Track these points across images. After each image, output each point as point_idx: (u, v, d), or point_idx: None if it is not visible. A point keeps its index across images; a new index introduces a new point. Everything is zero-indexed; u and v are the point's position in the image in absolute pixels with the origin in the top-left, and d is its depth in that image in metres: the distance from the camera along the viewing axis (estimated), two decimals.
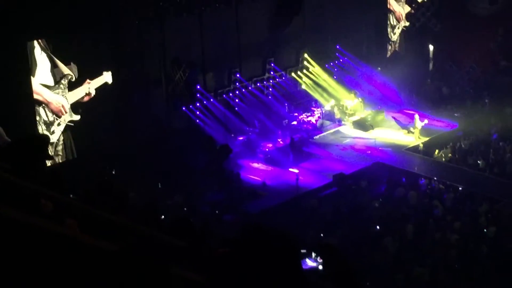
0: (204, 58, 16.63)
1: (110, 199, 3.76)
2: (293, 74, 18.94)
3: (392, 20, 21.18)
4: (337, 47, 19.54)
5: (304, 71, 19.06)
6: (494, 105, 18.49)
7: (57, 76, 13.83)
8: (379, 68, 20.46)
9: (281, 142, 17.16)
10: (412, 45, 21.09)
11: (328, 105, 18.86)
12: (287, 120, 18.17)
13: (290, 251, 2.09)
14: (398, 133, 18.03)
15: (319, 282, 3.05)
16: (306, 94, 19.09)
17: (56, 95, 13.87)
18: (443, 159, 16.48)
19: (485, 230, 12.17)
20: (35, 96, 13.40)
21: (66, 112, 14.02)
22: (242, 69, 17.68)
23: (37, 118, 13.47)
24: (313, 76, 19.08)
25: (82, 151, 14.08)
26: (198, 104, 16.50)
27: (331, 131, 18.25)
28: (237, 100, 17.53)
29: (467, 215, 12.87)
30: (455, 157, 16.39)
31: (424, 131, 17.52)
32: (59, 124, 13.96)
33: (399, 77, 19.63)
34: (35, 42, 13.26)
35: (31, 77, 13.23)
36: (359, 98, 19.00)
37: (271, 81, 18.43)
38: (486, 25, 20.01)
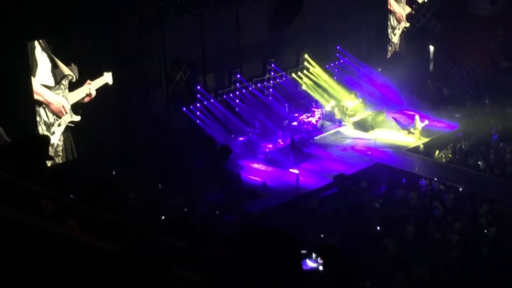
0: (205, 59, 16.63)
1: (110, 199, 3.76)
2: (293, 75, 18.93)
3: (393, 21, 21.18)
4: (338, 47, 19.54)
5: (305, 71, 19.06)
6: (494, 105, 18.47)
7: (58, 77, 13.83)
8: (380, 69, 20.46)
9: (281, 143, 17.16)
10: (413, 45, 21.09)
11: (328, 105, 18.86)
12: (287, 121, 18.17)
13: (291, 252, 2.09)
14: (399, 133, 18.03)
15: (320, 283, 3.05)
16: (306, 95, 19.09)
17: (57, 95, 13.87)
18: (444, 160, 16.47)
19: (485, 231, 12.16)
20: (36, 97, 13.39)
21: (66, 113, 14.02)
22: (243, 70, 17.68)
23: (38, 118, 13.45)
24: (314, 76, 19.08)
25: (83, 151, 14.08)
26: (198, 105, 16.50)
27: (332, 131, 18.25)
28: (237, 101, 17.53)
29: (467, 216, 12.86)
30: (456, 158, 16.39)
31: (424, 131, 17.52)
32: (59, 125, 13.96)
33: (400, 78, 19.63)
34: (36, 42, 13.26)
35: (32, 78, 13.23)
36: (360, 99, 18.99)
37: (271, 81, 18.43)
38: (486, 26, 20.00)
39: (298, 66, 19.06)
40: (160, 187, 14.38)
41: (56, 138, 13.79)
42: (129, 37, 14.83)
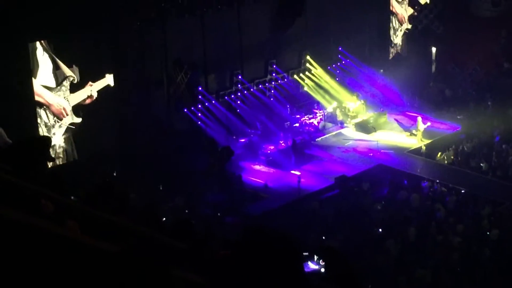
0: (206, 60, 16.63)
1: (111, 200, 3.75)
2: (295, 76, 18.92)
3: (395, 22, 21.17)
4: (340, 49, 19.53)
5: (306, 73, 19.04)
6: (497, 107, 18.43)
7: (59, 78, 13.82)
8: (382, 70, 20.44)
9: (283, 144, 17.14)
10: (415, 47, 21.07)
11: (330, 107, 18.83)
12: (289, 122, 18.15)
13: (292, 254, 2.08)
14: (401, 135, 18.00)
15: (321, 285, 3.04)
16: (308, 96, 19.07)
17: (58, 97, 13.86)
18: (446, 162, 16.44)
19: (487, 233, 12.12)
20: (36, 98, 13.38)
21: (67, 115, 14.01)
22: (244, 71, 17.68)
23: (38, 120, 13.44)
24: (315, 78, 19.07)
25: (83, 152, 14.08)
26: (199, 106, 16.50)
27: (333, 133, 18.23)
28: (239, 102, 17.53)
29: (469, 218, 12.83)
30: (458, 160, 16.35)
31: (426, 133, 17.48)
32: (60, 127, 13.96)
33: (402, 79, 19.61)
34: (38, 43, 13.26)
35: (33, 79, 13.23)
36: (361, 100, 18.97)
37: (273, 83, 18.42)
38: (489, 27, 19.97)
39: (300, 67, 19.05)
40: (161, 188, 14.37)
41: (57, 140, 13.78)
42: (130, 37, 14.83)
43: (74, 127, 14.07)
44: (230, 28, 16.96)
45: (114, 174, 13.92)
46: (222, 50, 16.95)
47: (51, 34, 13.09)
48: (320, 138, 17.83)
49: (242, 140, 17.14)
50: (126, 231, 3.17)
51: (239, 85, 17.57)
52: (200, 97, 16.53)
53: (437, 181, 14.94)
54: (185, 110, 16.22)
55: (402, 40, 21.30)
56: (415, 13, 21.11)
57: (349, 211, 13.39)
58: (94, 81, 14.27)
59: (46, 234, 2.31)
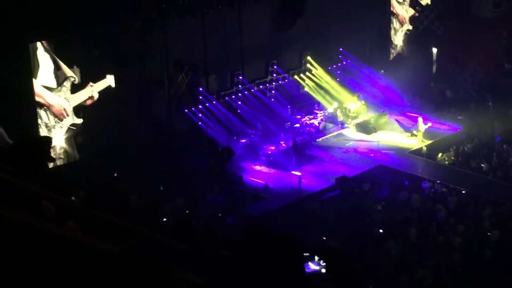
0: (207, 60, 16.63)
1: (111, 201, 3.75)
2: (296, 77, 18.92)
3: (395, 23, 21.16)
4: (340, 49, 19.52)
5: (307, 73, 19.04)
6: (497, 108, 18.41)
7: (60, 78, 13.82)
8: (382, 71, 20.43)
9: (283, 145, 17.13)
10: (416, 47, 21.05)
11: (331, 107, 18.82)
12: (289, 123, 18.14)
13: (292, 254, 2.08)
14: (401, 136, 17.98)
15: (322, 285, 3.03)
16: (309, 97, 19.07)
17: (58, 97, 13.85)
18: (446, 162, 16.42)
19: (488, 233, 12.11)
20: (37, 99, 13.37)
21: (68, 115, 14.01)
22: (245, 72, 17.68)
23: (39, 121, 13.44)
24: (316, 78, 19.06)
25: (84, 153, 14.08)
26: (200, 107, 16.50)
27: (334, 133, 18.22)
28: (239, 103, 17.52)
29: (470, 219, 12.81)
30: (459, 160, 16.34)
31: (427, 134, 17.47)
32: (61, 127, 13.96)
33: (402, 80, 19.59)
34: (38, 43, 13.26)
35: (33, 79, 13.23)
36: (362, 101, 18.96)
37: (273, 83, 18.41)
38: (490, 28, 19.95)
39: (301, 67, 19.04)
40: (161, 189, 14.37)
41: (58, 141, 13.78)
42: (131, 38, 14.83)
43: (74, 128, 14.07)
44: (231, 28, 16.96)
45: (115, 174, 13.92)
46: (223, 51, 16.95)
47: (52, 34, 13.09)
48: (320, 139, 17.82)
49: (243, 140, 17.13)
50: (127, 231, 3.16)
51: (239, 86, 17.57)
52: (200, 97, 16.53)
53: (438, 181, 14.92)
54: (186, 110, 16.22)
55: (403, 41, 21.29)
56: (416, 14, 21.10)
57: (350, 211, 13.38)
58: (95, 82, 14.26)
59: (47, 234, 2.31)
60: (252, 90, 17.81)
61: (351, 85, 19.51)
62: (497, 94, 19.10)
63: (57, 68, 13.68)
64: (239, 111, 17.40)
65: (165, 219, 10.09)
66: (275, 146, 17.07)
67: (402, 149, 17.16)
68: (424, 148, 17.01)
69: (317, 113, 18.81)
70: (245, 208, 14.12)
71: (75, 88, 14.02)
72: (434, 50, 21.06)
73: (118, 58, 14.61)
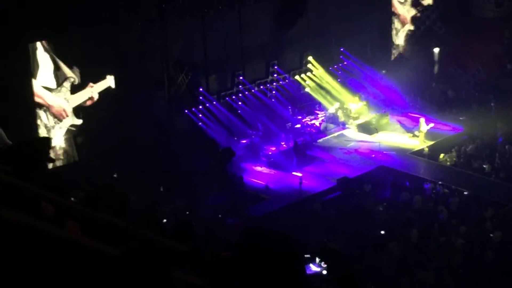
0: (207, 61, 16.62)
1: (111, 202, 3.73)
2: (296, 77, 18.90)
3: (397, 23, 21.14)
4: (341, 49, 19.50)
5: (308, 73, 19.02)
6: (500, 108, 18.38)
7: (60, 79, 13.81)
8: (384, 71, 20.41)
9: (284, 146, 17.11)
10: (417, 48, 21.04)
11: (332, 108, 18.80)
12: (290, 123, 18.12)
13: (293, 255, 2.06)
14: (403, 136, 17.95)
15: (323, 287, 3.01)
16: (309, 97, 19.05)
17: (58, 98, 13.84)
18: (448, 163, 16.39)
19: (490, 234, 12.08)
20: (36, 99, 13.36)
21: (67, 116, 14.00)
22: (245, 72, 17.67)
23: (38, 121, 13.43)
24: (317, 79, 19.04)
25: (84, 154, 14.07)
26: (200, 107, 16.48)
27: (335, 134, 18.19)
28: (240, 103, 17.51)
29: (472, 220, 12.78)
30: (460, 161, 16.30)
31: (429, 134, 17.44)
32: (60, 128, 13.94)
33: (404, 80, 19.57)
34: (38, 43, 13.25)
35: (33, 79, 13.22)
36: (364, 101, 18.94)
37: (274, 83, 18.40)
38: (492, 28, 19.92)
39: (302, 68, 19.02)
40: (161, 189, 14.35)
41: (57, 141, 13.77)
42: (131, 38, 14.83)
43: (74, 129, 14.06)
44: (231, 28, 16.95)
45: (115, 175, 13.91)
46: (223, 51, 16.94)
47: (52, 34, 13.08)
48: (321, 139, 17.79)
49: (243, 141, 17.11)
50: (127, 233, 3.14)
51: (240, 86, 17.56)
52: (201, 98, 16.52)
53: (440, 182, 14.89)
54: (186, 111, 16.21)
55: (405, 41, 21.27)
56: (418, 14, 21.08)
57: (351, 212, 13.35)
58: (95, 83, 14.26)
59: (46, 235, 2.29)
60: (253, 91, 17.79)
61: (352, 86, 19.49)
62: (499, 94, 19.07)
63: (57, 69, 13.67)
64: (239, 111, 17.39)
65: (165, 220, 10.08)
66: (276, 147, 17.04)
67: (403, 149, 17.13)
68: (426, 149, 16.98)
69: (318, 114, 18.79)
70: (245, 209, 14.10)
71: (75, 89, 14.01)
72: (436, 50, 21.03)
73: (118, 58, 14.61)
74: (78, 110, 14.13)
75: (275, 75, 18.39)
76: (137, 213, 4.46)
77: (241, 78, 17.56)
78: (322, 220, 13.19)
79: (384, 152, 16.94)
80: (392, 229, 12.44)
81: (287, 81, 18.63)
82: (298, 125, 18.23)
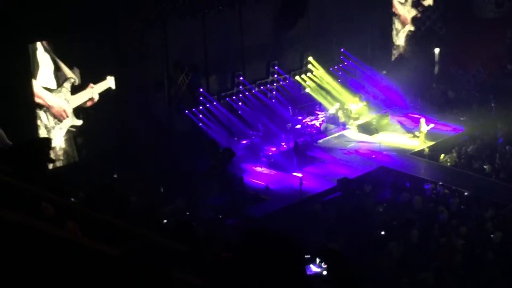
0: (207, 61, 16.62)
1: (111, 202, 3.73)
2: (297, 77, 18.89)
3: (397, 24, 21.14)
4: (342, 50, 19.50)
5: (308, 74, 19.02)
6: (500, 109, 18.37)
7: (60, 79, 13.81)
8: (384, 72, 20.40)
9: (284, 146, 17.11)
10: (418, 48, 21.03)
11: (332, 108, 18.80)
12: (290, 124, 18.12)
13: (293, 256, 2.06)
14: (403, 137, 17.95)
15: (323, 287, 3.01)
16: (310, 98, 19.04)
17: (58, 98, 13.84)
18: (449, 164, 16.38)
19: (491, 235, 12.07)
20: (36, 100, 13.35)
21: (67, 117, 14.00)
22: (246, 72, 17.67)
23: (38, 122, 13.42)
24: (317, 79, 19.03)
25: (84, 154, 14.07)
26: (201, 107, 16.48)
27: (335, 135, 18.19)
28: (240, 104, 17.50)
29: (472, 220, 12.78)
30: (461, 162, 16.30)
31: (429, 135, 17.43)
32: (60, 129, 13.94)
33: (404, 81, 19.57)
34: (39, 44, 13.25)
35: (33, 80, 13.21)
36: (364, 102, 18.93)
37: (274, 84, 18.40)
38: (492, 28, 19.91)
39: (302, 68, 19.02)
40: (161, 190, 14.35)
41: (57, 142, 13.76)
42: (131, 38, 14.83)
43: (74, 129, 14.05)
44: (232, 29, 16.95)
45: (115, 175, 13.91)
46: (224, 52, 16.94)
47: (52, 35, 13.08)
48: (322, 140, 17.79)
49: (244, 141, 17.11)
50: (127, 233, 3.14)
51: (240, 87, 17.56)
52: (201, 98, 16.52)
53: (440, 183, 14.88)
54: (186, 111, 16.20)
55: (405, 42, 21.27)
56: (418, 15, 21.08)
57: (351, 213, 13.35)
58: (95, 83, 14.25)
59: (46, 235, 2.29)
60: (253, 91, 17.79)
61: (353, 86, 19.49)
62: (499, 95, 19.05)
63: (57, 69, 13.67)
64: (239, 112, 17.39)
65: (165, 221, 10.07)
66: (276, 147, 17.04)
67: (404, 150, 17.12)
68: (426, 150, 16.97)
69: (319, 114, 18.78)
70: (245, 210, 14.10)
71: (75, 89, 14.01)
72: (436, 50, 21.02)
73: (118, 58, 14.61)
74: (78, 111, 14.12)
75: (276, 76, 18.38)
76: (137, 213, 4.46)
77: (241, 78, 17.56)
78: (322, 221, 13.18)
79: (385, 152, 16.93)
80: (392, 230, 12.44)
81: (287, 81, 18.62)
82: (299, 126, 18.23)
